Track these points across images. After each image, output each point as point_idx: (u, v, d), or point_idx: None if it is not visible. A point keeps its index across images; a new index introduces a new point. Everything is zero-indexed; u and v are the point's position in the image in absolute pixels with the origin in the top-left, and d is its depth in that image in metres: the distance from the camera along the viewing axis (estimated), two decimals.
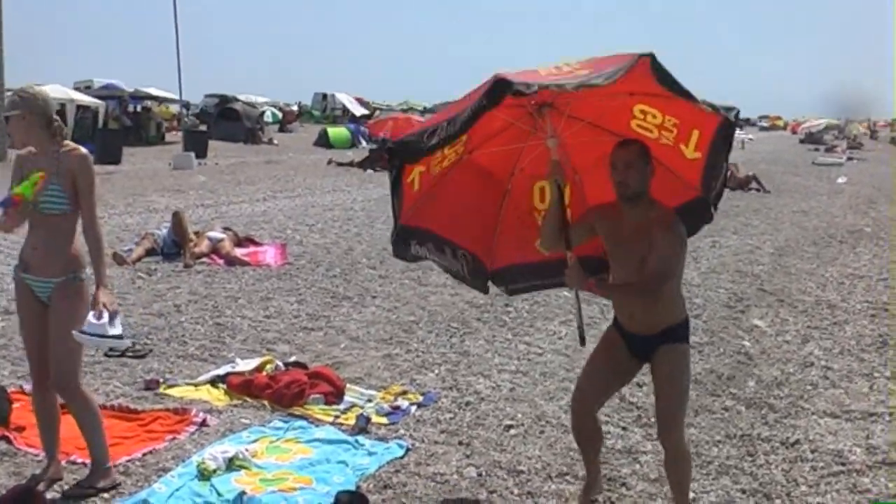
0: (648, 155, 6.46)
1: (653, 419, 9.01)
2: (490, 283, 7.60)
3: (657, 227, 6.42)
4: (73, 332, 6.61)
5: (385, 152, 6.22)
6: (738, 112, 6.41)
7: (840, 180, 43.81)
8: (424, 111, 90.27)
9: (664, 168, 6.68)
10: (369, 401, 9.68)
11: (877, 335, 13.30)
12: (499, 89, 5.66)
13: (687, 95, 6.06)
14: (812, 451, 8.77)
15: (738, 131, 6.81)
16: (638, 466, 8.24)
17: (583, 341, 6.78)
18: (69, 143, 6.96)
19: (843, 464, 8.47)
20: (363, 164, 42.68)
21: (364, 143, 58.97)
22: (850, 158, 64.48)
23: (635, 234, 6.46)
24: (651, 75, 5.85)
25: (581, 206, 7.04)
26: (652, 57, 5.72)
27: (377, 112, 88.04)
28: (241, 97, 73.64)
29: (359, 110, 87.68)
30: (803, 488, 7.95)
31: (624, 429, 9.11)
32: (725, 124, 6.41)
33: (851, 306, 15.37)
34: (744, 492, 7.81)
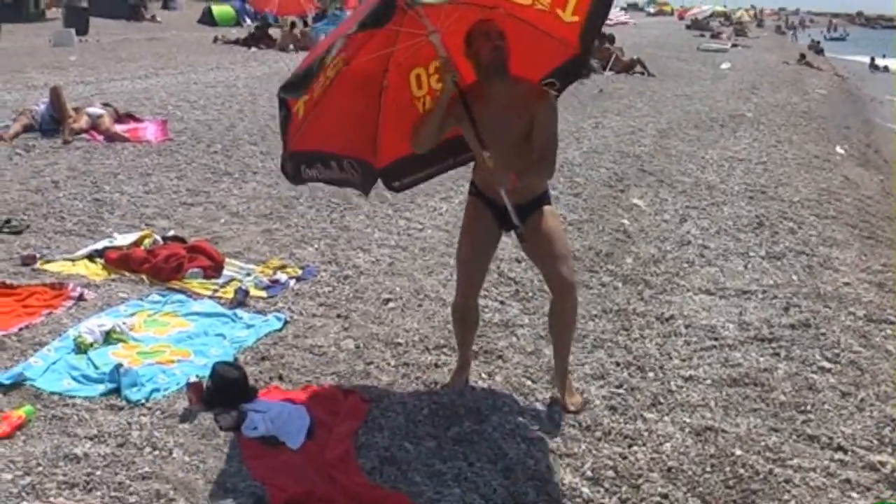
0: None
1: (530, 293, 9.16)
2: (379, 183, 7.41)
3: (535, 101, 6.48)
4: None
5: (279, 94, 5.94)
6: None
7: (724, 66, 44.06)
8: None
9: (540, 32, 6.67)
10: (248, 275, 9.67)
11: (753, 216, 13.53)
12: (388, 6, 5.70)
13: None
14: (686, 327, 8.96)
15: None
16: (515, 339, 8.36)
17: (521, 238, 6.72)
18: None
19: (715, 339, 8.67)
20: (247, 42, 42.11)
21: (249, 21, 58.05)
22: (734, 45, 64.75)
23: (508, 110, 6.45)
24: None
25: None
26: None
27: None
28: None
29: None
30: (676, 361, 8.14)
31: (502, 303, 9.21)
32: None
33: (730, 188, 15.59)
34: (618, 364, 7.98)
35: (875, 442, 6.84)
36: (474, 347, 7.87)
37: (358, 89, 6.71)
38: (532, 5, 6.54)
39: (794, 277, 10.59)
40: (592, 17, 6.58)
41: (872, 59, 69.18)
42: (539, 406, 7.11)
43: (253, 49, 40.16)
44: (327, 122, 6.54)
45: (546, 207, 6.81)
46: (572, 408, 7.05)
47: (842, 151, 21.45)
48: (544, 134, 6.46)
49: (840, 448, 6.74)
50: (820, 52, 70.35)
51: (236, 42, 42.54)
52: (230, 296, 9.06)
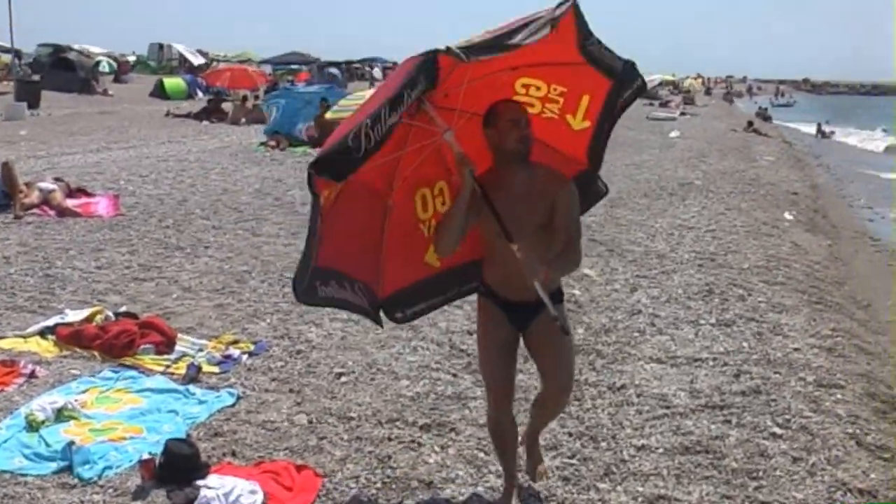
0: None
1: None
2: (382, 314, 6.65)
3: (555, 186, 6.11)
4: None
5: (309, 169, 5.39)
6: (633, 65, 6.15)
7: (673, 135, 44.50)
8: (261, 63, 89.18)
9: (545, 146, 6.33)
10: (200, 350, 9.68)
11: (703, 284, 13.60)
12: (432, 60, 5.24)
13: (593, 55, 5.88)
14: (638, 396, 8.98)
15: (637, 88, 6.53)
16: (467, 412, 8.36)
17: (567, 331, 6.10)
18: None
19: (667, 407, 8.70)
20: (199, 116, 42.26)
21: (200, 95, 58.30)
22: (683, 113, 65.42)
23: (528, 197, 6.08)
24: (573, 30, 5.68)
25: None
26: (576, 8, 5.56)
27: (214, 63, 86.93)
28: (76, 47, 72.14)
29: (197, 60, 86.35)
30: (628, 431, 8.15)
31: (454, 375, 9.22)
32: (617, 86, 6.20)
33: (680, 256, 15.69)
34: (570, 434, 7.98)
35: None
36: (427, 421, 7.89)
37: (363, 205, 6.15)
38: (540, 113, 6.31)
39: (745, 344, 10.66)
40: (605, 120, 6.43)
41: (819, 126, 70.10)
42: (493, 478, 7.10)
43: (205, 122, 40.32)
44: (336, 236, 5.84)
45: (561, 307, 6.30)
46: (542, 478, 6.99)
47: (790, 217, 21.64)
48: (567, 221, 6.13)
49: None
50: (767, 119, 71.10)
51: (188, 116, 42.67)
52: (182, 371, 9.06)
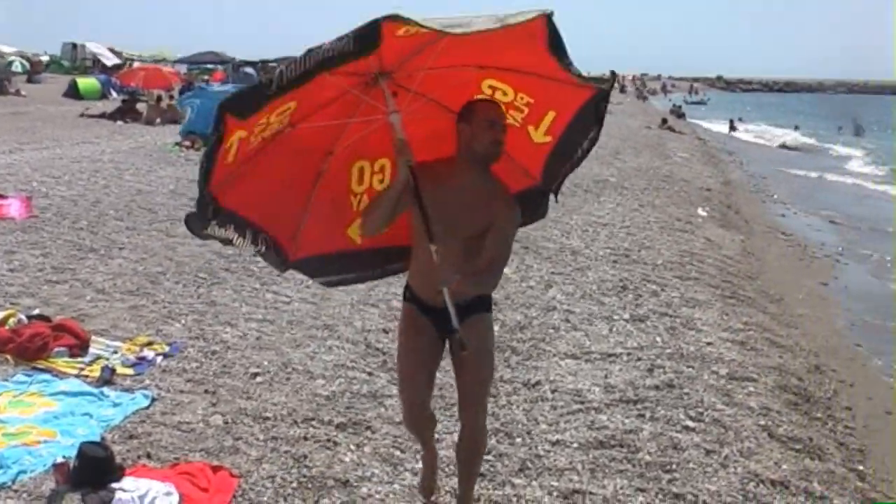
0: None
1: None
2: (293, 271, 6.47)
3: (501, 205, 5.91)
4: None
5: (218, 110, 5.15)
6: (611, 83, 5.95)
7: None
8: (176, 62, 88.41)
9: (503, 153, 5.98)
10: (115, 352, 9.59)
11: (617, 280, 13.75)
12: (375, 26, 4.68)
13: (566, 65, 5.52)
14: (552, 392, 9.06)
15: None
16: (383, 410, 8.39)
17: (463, 347, 5.68)
18: None
19: (581, 402, 8.78)
20: (113, 116, 41.82)
21: (115, 95, 57.75)
22: None
23: (472, 205, 5.85)
24: (542, 36, 5.33)
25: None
26: (549, 17, 5.21)
27: (128, 62, 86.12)
28: None
29: (110, 60, 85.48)
30: (543, 426, 8.23)
31: (370, 374, 9.24)
32: (594, 101, 5.94)
33: (594, 252, 15.83)
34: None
35: (740, 498, 7.03)
36: (342, 419, 7.91)
37: (295, 162, 5.88)
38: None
39: (658, 339, 10.78)
40: (569, 138, 6.14)
41: (732, 122, 71.11)
42: (409, 476, 7.14)
43: (119, 123, 39.89)
44: (254, 186, 5.65)
45: (485, 316, 6.19)
46: None
47: (703, 213, 21.90)
48: (501, 242, 5.93)
49: None
50: (681, 116, 71.82)
51: (102, 116, 42.21)
52: (96, 374, 8.98)
